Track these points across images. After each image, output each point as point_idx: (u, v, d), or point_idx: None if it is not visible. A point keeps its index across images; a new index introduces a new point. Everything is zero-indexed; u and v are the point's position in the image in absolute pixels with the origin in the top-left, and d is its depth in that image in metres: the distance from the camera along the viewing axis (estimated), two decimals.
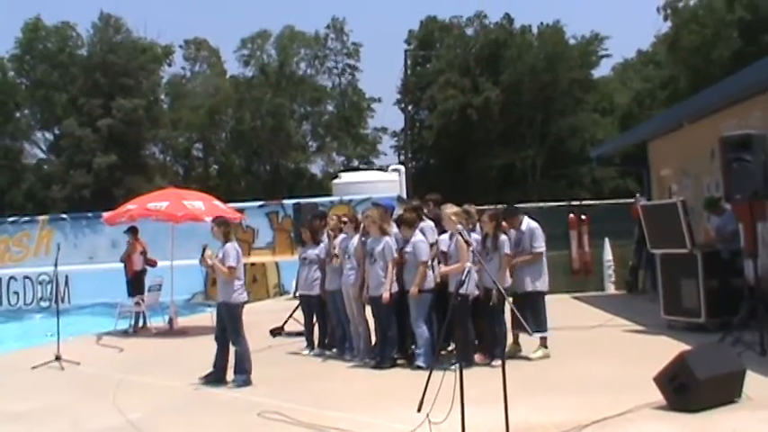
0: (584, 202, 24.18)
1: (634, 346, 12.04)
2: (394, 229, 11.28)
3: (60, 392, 10.40)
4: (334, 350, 12.36)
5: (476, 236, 10.96)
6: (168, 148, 60.99)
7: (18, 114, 58.44)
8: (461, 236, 9.41)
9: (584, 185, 53.46)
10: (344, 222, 12.13)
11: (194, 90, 62.38)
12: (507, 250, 10.71)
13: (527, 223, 11.42)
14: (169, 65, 61.94)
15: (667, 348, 9.79)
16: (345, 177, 33.82)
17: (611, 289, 21.12)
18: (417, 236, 10.89)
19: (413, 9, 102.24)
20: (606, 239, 21.46)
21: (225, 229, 10.96)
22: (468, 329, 10.60)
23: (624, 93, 57.46)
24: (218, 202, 17.32)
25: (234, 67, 62.07)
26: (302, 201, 22.38)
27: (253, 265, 26.58)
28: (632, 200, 22.58)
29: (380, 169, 44.08)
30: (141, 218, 16.43)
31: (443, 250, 10.88)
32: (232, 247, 10.72)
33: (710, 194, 14.21)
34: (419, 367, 9.81)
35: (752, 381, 8.17)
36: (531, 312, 10.89)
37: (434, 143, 57.66)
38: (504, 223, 10.98)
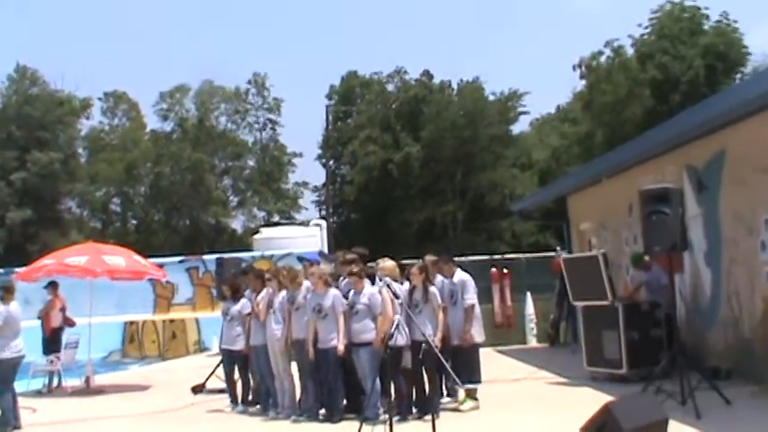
0: (505, 256, 24.43)
1: (559, 397, 12.12)
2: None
3: None
4: (258, 406, 12.19)
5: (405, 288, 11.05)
6: (85, 202, 60.01)
7: None
8: (389, 288, 9.43)
9: (504, 239, 54.04)
10: (268, 279, 12.06)
11: (113, 143, 61.68)
12: (439, 301, 10.79)
13: (459, 275, 11.51)
14: (87, 118, 61.25)
15: (591, 399, 9.89)
16: (266, 232, 33.68)
17: (533, 342, 21.27)
18: (369, 287, 10.89)
19: (334, 64, 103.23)
20: (528, 293, 21.67)
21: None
22: (401, 382, 10.59)
23: (542, 149, 58.51)
24: (138, 258, 17.02)
25: (153, 120, 61.68)
26: (224, 256, 22.19)
27: (172, 321, 26.19)
28: (553, 253, 22.90)
29: (301, 224, 44.02)
30: (59, 274, 16.05)
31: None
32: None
33: (636, 251, 14.45)
34: (367, 419, 9.66)
35: (674, 429, 8.27)
36: (465, 363, 10.94)
37: (356, 198, 57.85)
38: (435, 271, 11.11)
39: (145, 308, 26.93)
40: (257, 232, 35.38)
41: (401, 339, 10.35)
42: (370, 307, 10.73)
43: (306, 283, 11.32)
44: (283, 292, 11.54)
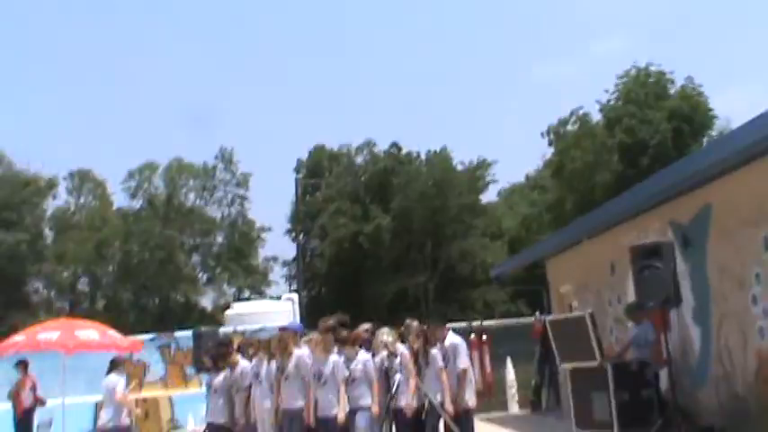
0: (483, 323, 24.20)
1: None
2: (306, 350, 11.03)
3: None
4: None
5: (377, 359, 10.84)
6: (53, 283, 59.23)
7: None
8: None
9: (476, 309, 53.75)
10: (253, 353, 11.82)
11: (80, 223, 61.15)
12: (441, 363, 10.62)
13: (450, 339, 11.33)
14: (53, 197, 60.79)
15: None
16: (238, 308, 33.24)
17: (515, 409, 20.99)
18: (363, 354, 10.64)
19: (301, 138, 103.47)
20: (508, 359, 21.43)
21: None
22: None
23: (511, 217, 58.66)
24: (112, 332, 16.66)
25: (121, 198, 61.40)
26: (202, 328, 21.83)
27: (145, 400, 25.59)
28: (531, 318, 22.75)
29: (273, 298, 43.55)
30: (31, 350, 15.63)
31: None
32: None
33: (629, 303, 14.23)
34: None
35: None
36: (460, 430, 10.71)
37: (327, 271, 57.49)
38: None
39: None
40: (228, 308, 34.96)
41: (403, 400, 10.26)
42: (366, 373, 10.48)
43: (297, 352, 11.04)
44: (265, 362, 11.27)
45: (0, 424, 16.62)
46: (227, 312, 32.54)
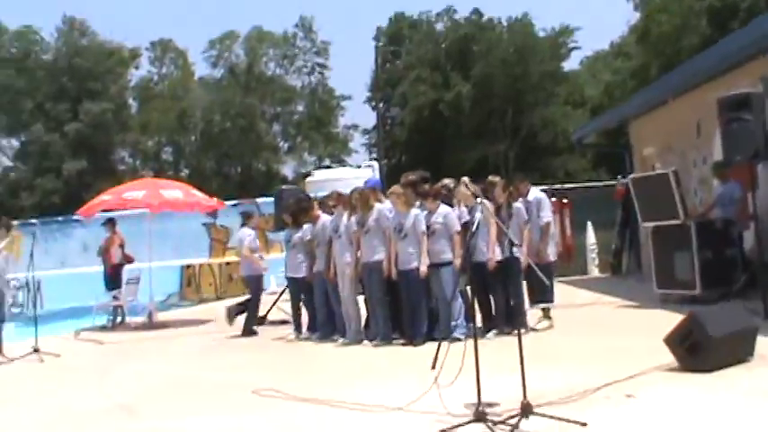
0: (565, 186, 23.91)
1: (631, 319, 11.84)
2: (387, 204, 11.03)
3: (43, 381, 9.98)
4: (318, 333, 12.00)
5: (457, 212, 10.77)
6: (138, 151, 60.31)
7: None
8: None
9: (557, 178, 53.25)
10: (333, 205, 11.85)
11: (162, 93, 61.74)
12: (525, 216, 10.61)
13: (534, 193, 11.29)
14: (136, 68, 61.37)
15: (664, 320, 9.44)
16: (318, 175, 33.42)
17: (594, 272, 20.95)
18: (443, 207, 10.62)
19: (381, 6, 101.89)
20: (589, 223, 21.26)
21: None
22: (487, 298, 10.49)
23: (594, 85, 57.44)
24: (196, 192, 16.90)
25: (202, 68, 61.56)
26: (284, 186, 22.06)
27: (228, 264, 26.17)
28: (614, 182, 22.43)
29: (354, 166, 43.68)
30: (117, 208, 15.99)
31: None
32: None
33: (716, 162, 13.87)
34: (457, 339, 9.38)
35: (762, 343, 7.90)
36: (540, 283, 10.74)
37: (407, 139, 57.38)
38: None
39: (201, 252, 26.94)
40: (309, 175, 35.16)
41: (484, 253, 10.27)
42: (446, 226, 10.47)
43: (378, 206, 11.05)
44: (346, 216, 11.30)
45: (94, 284, 17.15)
46: (308, 179, 32.75)
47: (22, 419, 7.61)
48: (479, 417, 5.86)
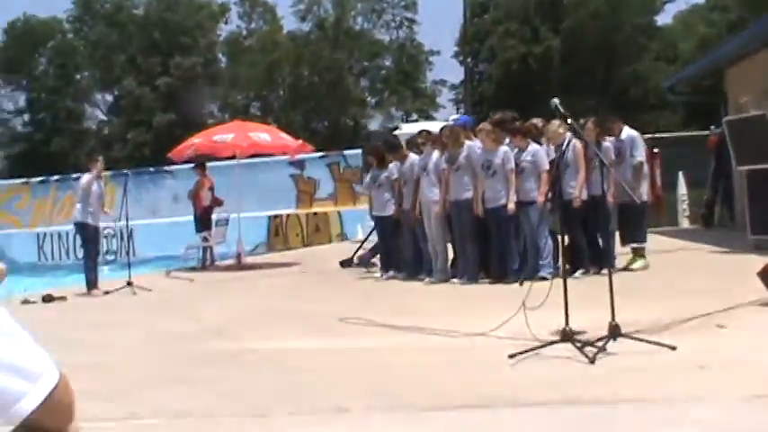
0: (656, 135, 23.37)
1: (725, 262, 11.63)
2: (477, 142, 10.97)
3: (135, 310, 10.28)
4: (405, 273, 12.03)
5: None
6: (227, 106, 60.97)
7: (78, 76, 58.77)
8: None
9: (647, 133, 52.40)
10: (422, 142, 11.82)
11: (251, 47, 62.17)
12: (612, 156, 10.41)
13: (627, 132, 11.08)
14: (225, 22, 61.84)
15: (759, 264, 9.26)
16: (406, 128, 33.37)
17: (685, 224, 20.54)
18: (532, 146, 10.55)
19: None
20: (680, 173, 20.83)
21: None
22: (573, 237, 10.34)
23: (688, 40, 56.00)
24: (284, 135, 17.06)
25: (290, 22, 61.66)
26: (372, 129, 22.21)
27: (315, 214, 26.41)
28: (707, 132, 21.92)
29: (442, 121, 43.52)
30: (207, 152, 16.22)
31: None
32: None
33: None
34: (544, 278, 9.33)
35: None
36: (633, 223, 10.60)
37: (494, 94, 56.80)
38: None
39: (287, 203, 27.19)
40: (396, 129, 35.11)
41: (572, 192, 10.24)
42: (535, 165, 10.39)
43: (468, 143, 10.99)
44: (435, 154, 11.27)
45: (184, 233, 17.49)
46: (396, 133, 32.71)
47: (117, 340, 7.83)
48: (566, 337, 5.83)
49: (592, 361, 5.54)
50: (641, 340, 5.83)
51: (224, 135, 15.97)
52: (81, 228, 12.61)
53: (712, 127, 21.69)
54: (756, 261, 10.36)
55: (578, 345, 5.73)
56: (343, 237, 25.27)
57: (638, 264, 10.90)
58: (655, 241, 15.36)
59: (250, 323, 8.52)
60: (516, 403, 4.82)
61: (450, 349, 6.50)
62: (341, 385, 5.50)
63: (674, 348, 5.65)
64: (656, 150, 21.70)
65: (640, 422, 4.34)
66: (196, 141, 16.18)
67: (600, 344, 5.76)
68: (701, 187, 20.66)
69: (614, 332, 5.80)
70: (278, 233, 26.67)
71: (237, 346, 7.15)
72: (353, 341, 7.04)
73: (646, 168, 11.07)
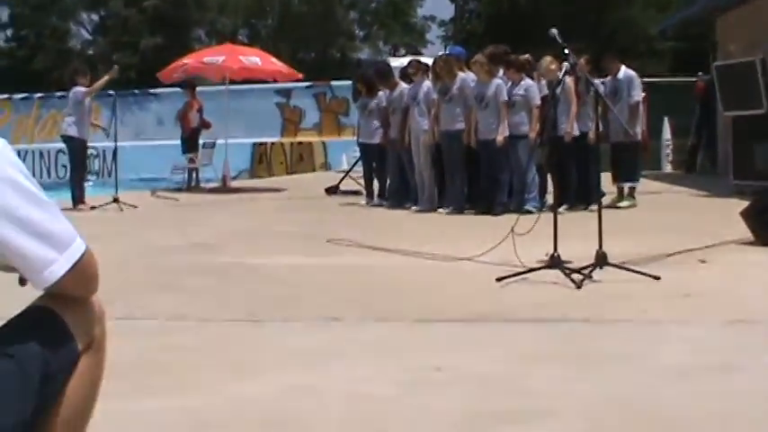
0: (643, 79, 23.30)
1: (707, 205, 11.78)
2: (470, 74, 10.99)
3: (124, 224, 10.33)
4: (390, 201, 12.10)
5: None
6: (214, 32, 60.28)
7: None
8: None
9: None
10: (413, 72, 11.81)
11: None
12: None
13: (624, 71, 11.10)
14: None
15: (740, 206, 9.43)
16: (394, 62, 33.17)
17: (668, 168, 20.69)
18: (526, 80, 10.58)
19: None
20: (665, 118, 20.90)
21: None
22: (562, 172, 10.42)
23: None
24: (275, 60, 16.97)
25: None
26: (363, 57, 22.18)
27: (300, 144, 26.37)
28: (694, 78, 21.95)
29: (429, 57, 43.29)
30: (196, 72, 16.15)
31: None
32: None
33: None
34: (529, 212, 9.37)
35: None
36: (625, 162, 10.69)
37: (484, 32, 56.41)
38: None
39: (273, 131, 27.11)
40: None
41: (563, 127, 10.22)
42: (526, 99, 10.43)
43: (461, 74, 11.00)
44: (426, 83, 11.29)
45: (169, 156, 17.45)
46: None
47: (105, 252, 7.86)
48: (554, 263, 5.94)
49: (579, 286, 5.68)
50: (627, 269, 5.96)
51: (215, 57, 15.90)
52: (70, 141, 12.60)
53: (700, 73, 21.76)
54: (738, 204, 10.52)
55: (566, 271, 5.84)
56: (327, 167, 25.30)
57: (626, 203, 11.03)
58: (639, 183, 15.59)
59: (237, 240, 8.60)
60: (506, 319, 4.95)
61: (437, 271, 6.62)
62: (331, 297, 5.62)
63: (658, 278, 5.79)
64: (643, 94, 21.77)
65: (628, 339, 4.48)
66: (186, 62, 16.09)
67: (586, 271, 5.88)
68: (686, 134, 20.75)
69: (601, 260, 5.92)
70: (262, 161, 26.62)
71: (226, 260, 7.25)
72: (342, 259, 7.16)
73: (641, 109, 11.10)
